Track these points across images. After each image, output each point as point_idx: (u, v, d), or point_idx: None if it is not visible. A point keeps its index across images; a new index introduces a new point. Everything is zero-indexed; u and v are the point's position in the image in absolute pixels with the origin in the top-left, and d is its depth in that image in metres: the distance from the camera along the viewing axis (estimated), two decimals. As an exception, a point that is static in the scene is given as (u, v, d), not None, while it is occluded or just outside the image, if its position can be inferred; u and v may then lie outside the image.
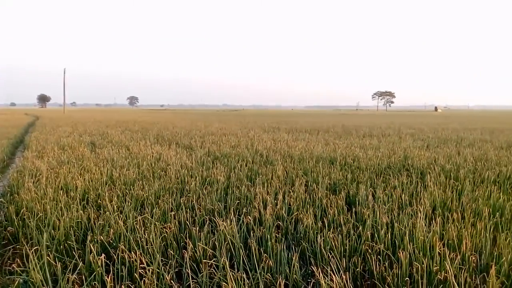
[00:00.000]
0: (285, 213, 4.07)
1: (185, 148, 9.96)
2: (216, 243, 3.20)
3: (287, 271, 2.86)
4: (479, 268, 3.05)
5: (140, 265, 2.86)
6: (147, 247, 3.13)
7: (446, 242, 3.30)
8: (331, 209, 4.16)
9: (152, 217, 3.79)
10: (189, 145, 10.42)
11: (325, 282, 2.46)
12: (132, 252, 2.98)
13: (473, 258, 3.03)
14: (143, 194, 4.64)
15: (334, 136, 13.72)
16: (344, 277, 2.60)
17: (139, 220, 3.71)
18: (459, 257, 2.94)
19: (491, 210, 4.18)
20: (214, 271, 2.83)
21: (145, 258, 2.95)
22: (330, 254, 3.03)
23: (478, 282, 2.80)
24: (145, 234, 3.30)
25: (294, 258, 2.86)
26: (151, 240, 3.17)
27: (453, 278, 2.55)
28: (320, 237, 3.30)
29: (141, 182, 5.32)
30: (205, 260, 2.90)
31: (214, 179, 5.59)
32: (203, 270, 2.81)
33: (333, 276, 2.55)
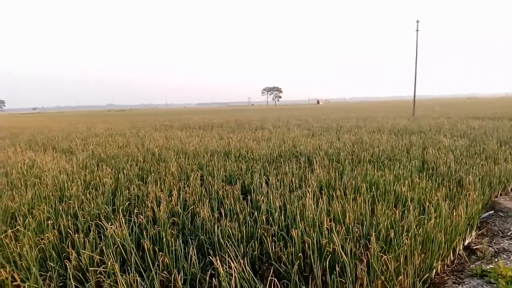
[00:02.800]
0: (180, 208, 3.93)
1: (64, 152, 8.99)
2: (104, 248, 2.92)
3: (185, 265, 2.75)
4: (362, 237, 3.35)
5: (14, 283, 2.45)
6: (20, 262, 2.70)
7: (332, 217, 3.55)
8: (227, 199, 4.16)
9: (25, 229, 3.29)
10: (69, 149, 9.44)
11: (223, 270, 2.42)
12: (2, 270, 2.54)
13: (356, 228, 3.33)
14: (13, 205, 4.01)
15: (228, 131, 13.88)
16: (242, 262, 2.60)
17: (9, 233, 3.19)
18: (344, 229, 3.19)
19: (368, 185, 4.65)
20: (103, 278, 2.57)
21: (18, 274, 2.54)
22: (228, 242, 3.02)
23: (362, 249, 3.08)
24: (17, 248, 2.85)
25: (191, 252, 2.76)
26: (25, 253, 2.74)
27: (340, 248, 2.74)
28: (218, 227, 3.26)
29: (10, 192, 4.61)
30: (92, 268, 2.61)
31: (99, 182, 5.13)
32: (90, 279, 2.53)
33: (231, 262, 2.52)
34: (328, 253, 2.85)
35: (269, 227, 3.36)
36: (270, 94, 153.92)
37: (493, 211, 4.62)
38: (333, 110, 41.92)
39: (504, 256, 3.41)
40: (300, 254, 2.86)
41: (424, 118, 18.27)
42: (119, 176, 5.46)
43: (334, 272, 2.56)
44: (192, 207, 3.99)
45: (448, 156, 6.50)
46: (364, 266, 2.59)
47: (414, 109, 24.24)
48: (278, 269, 2.82)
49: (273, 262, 2.89)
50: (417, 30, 22.44)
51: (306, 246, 2.92)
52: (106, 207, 4.03)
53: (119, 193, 4.54)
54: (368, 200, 4.02)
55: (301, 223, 3.25)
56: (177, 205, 4.00)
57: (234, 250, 2.89)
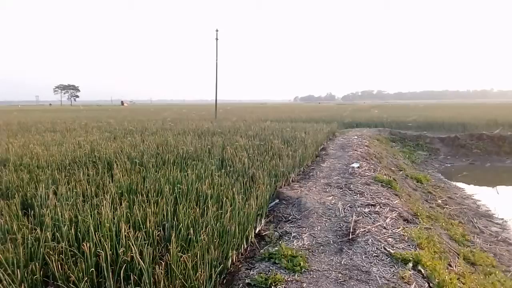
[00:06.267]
0: None
1: None
2: None
3: None
4: (163, 239, 3.29)
5: None
6: None
7: (133, 223, 3.36)
8: (1, 217, 3.41)
9: None
10: None
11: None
12: None
13: (157, 232, 3.24)
14: None
15: (7, 135, 11.59)
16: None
17: None
18: (144, 234, 3.06)
19: (171, 186, 4.63)
20: None
21: None
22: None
23: (164, 251, 3.02)
24: None
25: None
26: None
27: (137, 255, 2.60)
28: (-17, 254, 2.60)
29: None
30: None
31: None
32: None
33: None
34: (126, 262, 2.66)
35: (56, 244, 2.91)
36: (65, 93, 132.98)
37: (278, 200, 5.34)
38: (138, 112, 40.67)
39: (286, 238, 3.96)
40: (93, 269, 2.57)
41: (225, 121, 19.81)
42: None
43: (130, 281, 2.40)
44: None
45: (243, 154, 7.16)
46: (162, 269, 2.52)
47: (216, 113, 26.01)
48: (66, 290, 2.46)
49: (60, 284, 2.50)
50: (217, 39, 24.15)
51: (101, 258, 2.65)
52: None
53: None
54: (171, 201, 4.00)
55: (95, 235, 2.94)
56: None
57: (6, 279, 2.36)
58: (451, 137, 16.15)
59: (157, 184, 4.72)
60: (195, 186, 4.70)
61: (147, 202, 3.97)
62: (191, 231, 3.18)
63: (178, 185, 4.70)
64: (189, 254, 2.75)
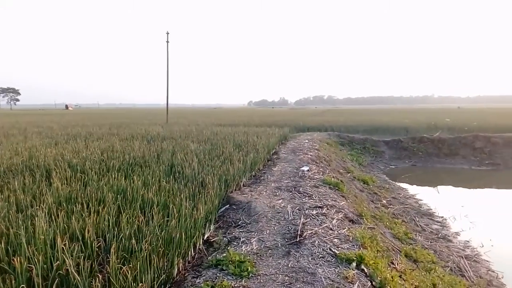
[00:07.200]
0: None
1: None
2: None
3: None
4: (103, 250, 3.12)
5: None
6: None
7: (71, 235, 3.16)
8: None
9: None
10: None
11: None
12: None
13: (97, 243, 3.07)
14: None
15: None
16: None
17: None
18: (82, 246, 2.89)
19: (115, 195, 4.43)
20: None
21: None
22: None
23: (105, 263, 2.86)
24: None
25: None
26: None
27: (73, 268, 2.44)
28: None
29: None
30: None
31: None
32: None
33: None
34: (62, 276, 2.49)
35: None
36: (3, 96, 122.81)
37: (228, 205, 5.29)
38: (84, 116, 38.85)
39: (235, 243, 3.92)
40: (23, 285, 2.37)
41: (177, 125, 19.43)
42: None
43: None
44: None
45: (193, 159, 7.04)
46: (100, 282, 2.39)
47: (167, 117, 25.49)
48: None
49: (-16, 305, 2.29)
50: (168, 41, 23.71)
51: (34, 273, 2.46)
52: None
53: None
54: (114, 210, 3.82)
55: (28, 249, 2.72)
56: None
57: None
58: (395, 140, 17.01)
59: (99, 192, 4.50)
60: (140, 193, 4.54)
61: (87, 211, 3.76)
62: (134, 241, 3.05)
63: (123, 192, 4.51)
64: (131, 265, 2.63)
